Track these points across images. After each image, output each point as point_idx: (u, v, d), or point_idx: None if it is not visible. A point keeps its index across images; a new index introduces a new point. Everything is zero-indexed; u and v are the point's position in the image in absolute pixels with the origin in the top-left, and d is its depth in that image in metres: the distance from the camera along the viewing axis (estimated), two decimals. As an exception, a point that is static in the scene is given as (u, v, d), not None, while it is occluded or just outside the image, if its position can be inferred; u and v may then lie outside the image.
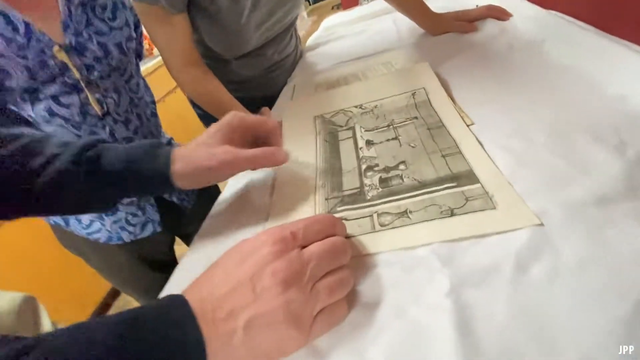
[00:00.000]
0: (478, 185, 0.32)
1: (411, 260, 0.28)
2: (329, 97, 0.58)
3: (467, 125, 0.41)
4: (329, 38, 1.00)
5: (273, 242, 0.24)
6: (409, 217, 0.32)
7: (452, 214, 0.31)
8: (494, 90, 0.47)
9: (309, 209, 0.37)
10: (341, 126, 0.50)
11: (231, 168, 0.37)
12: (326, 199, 0.38)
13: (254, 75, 0.83)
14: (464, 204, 0.31)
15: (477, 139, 0.38)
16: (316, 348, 0.24)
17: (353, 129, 0.48)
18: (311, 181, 0.41)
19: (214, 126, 0.38)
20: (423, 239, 0.29)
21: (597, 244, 0.24)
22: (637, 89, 0.36)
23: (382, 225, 0.32)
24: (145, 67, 2.00)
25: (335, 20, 1.19)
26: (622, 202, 0.26)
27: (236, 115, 0.38)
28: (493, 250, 0.26)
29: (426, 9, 0.74)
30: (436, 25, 0.73)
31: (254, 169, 0.40)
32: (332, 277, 0.25)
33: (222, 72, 0.78)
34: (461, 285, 0.25)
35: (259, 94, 0.85)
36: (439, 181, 0.35)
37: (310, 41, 1.07)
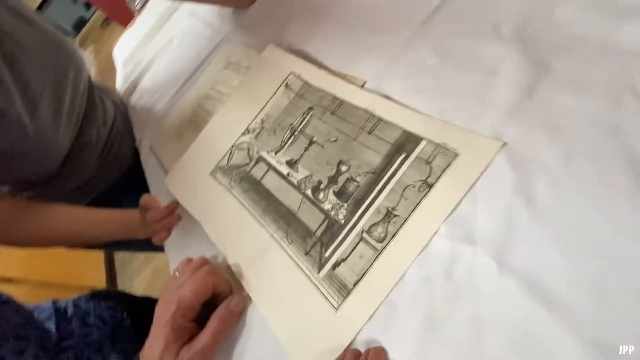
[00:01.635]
0: (424, 142, 0.31)
1: (427, 260, 0.26)
2: (205, 141, 0.49)
3: (362, 87, 0.38)
4: (139, 69, 0.83)
5: None
6: (397, 214, 0.30)
7: (430, 186, 0.29)
8: (354, 35, 0.44)
9: (301, 279, 0.32)
10: (247, 164, 0.43)
11: None
12: (306, 254, 0.33)
13: (93, 172, 0.63)
14: (431, 170, 0.30)
15: (382, 95, 0.36)
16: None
17: (261, 158, 0.42)
18: (273, 247, 0.35)
19: (161, 333, 0.32)
20: (430, 224, 0.27)
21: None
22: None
23: (379, 240, 0.29)
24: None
25: (126, 44, 0.99)
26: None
27: (177, 314, 0.32)
28: (495, 196, 0.26)
29: None
30: None
31: None
32: None
33: (55, 191, 0.60)
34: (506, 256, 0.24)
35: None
36: (389, 160, 0.32)
37: (119, 85, 0.87)
